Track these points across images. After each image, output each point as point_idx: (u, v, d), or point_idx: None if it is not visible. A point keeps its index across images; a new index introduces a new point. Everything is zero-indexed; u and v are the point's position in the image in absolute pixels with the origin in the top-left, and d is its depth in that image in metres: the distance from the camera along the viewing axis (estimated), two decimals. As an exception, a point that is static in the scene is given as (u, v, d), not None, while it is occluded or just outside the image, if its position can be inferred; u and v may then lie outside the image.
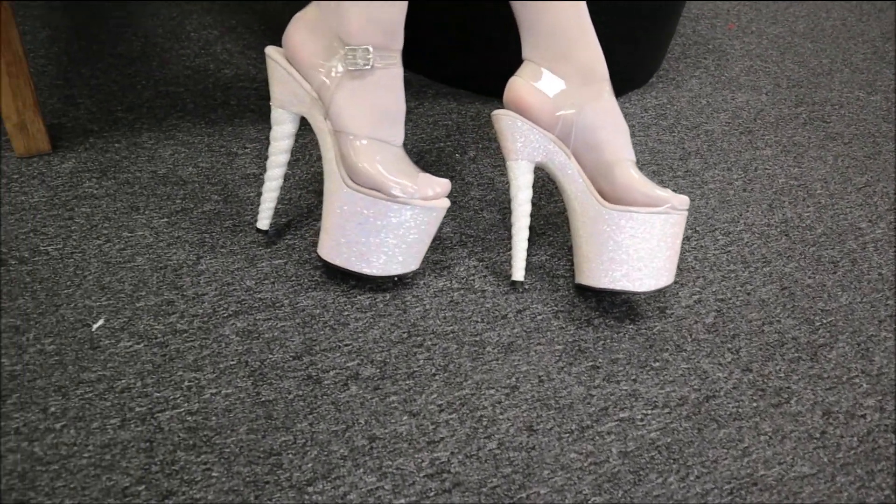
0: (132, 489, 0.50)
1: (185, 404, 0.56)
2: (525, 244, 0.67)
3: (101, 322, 0.60)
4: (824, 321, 0.74)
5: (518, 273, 0.68)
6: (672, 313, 0.71)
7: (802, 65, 1.18)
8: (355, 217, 0.61)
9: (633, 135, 0.94)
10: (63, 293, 0.62)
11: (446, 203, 0.63)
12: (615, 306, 0.70)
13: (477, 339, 0.64)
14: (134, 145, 0.76)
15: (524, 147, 0.65)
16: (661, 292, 0.73)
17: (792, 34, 1.27)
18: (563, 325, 0.67)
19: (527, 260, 0.72)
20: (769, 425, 0.63)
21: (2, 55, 0.64)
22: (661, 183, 0.88)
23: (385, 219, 0.61)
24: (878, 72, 1.20)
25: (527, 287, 0.70)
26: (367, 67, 0.58)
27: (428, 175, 0.62)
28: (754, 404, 0.64)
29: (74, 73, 0.85)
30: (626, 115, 0.98)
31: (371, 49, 0.58)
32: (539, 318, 0.67)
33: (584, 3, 0.62)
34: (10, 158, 0.71)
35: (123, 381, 0.56)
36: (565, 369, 0.63)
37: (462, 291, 0.68)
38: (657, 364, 0.66)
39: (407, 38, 0.97)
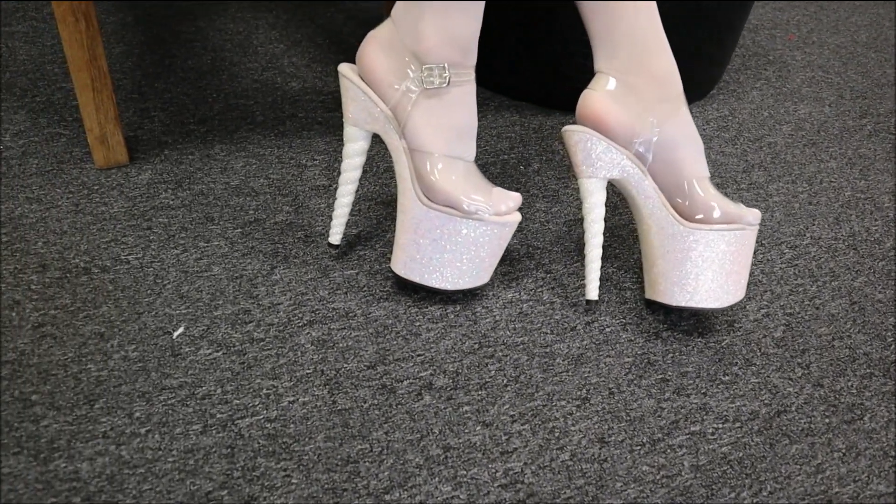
0: (215, 494, 0.52)
1: (264, 411, 0.57)
2: (598, 263, 0.67)
3: (181, 330, 0.62)
4: (897, 337, 0.72)
5: (592, 292, 0.68)
6: (740, 327, 0.70)
7: (866, 75, 1.16)
8: (430, 234, 0.62)
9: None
10: (144, 301, 0.64)
11: (518, 217, 0.63)
12: (683, 319, 0.70)
13: (547, 350, 0.65)
14: (207, 157, 0.79)
15: (599, 164, 0.64)
16: (729, 306, 0.72)
17: (854, 44, 1.25)
18: (632, 338, 0.67)
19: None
20: (842, 442, 0.62)
21: (88, 71, 0.67)
22: (727, 196, 0.87)
23: (458, 235, 0.62)
24: (945, 81, 1.17)
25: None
26: (443, 86, 0.59)
27: (501, 189, 0.63)
28: (827, 420, 0.63)
29: (148, 87, 0.88)
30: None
31: (447, 67, 0.59)
32: (608, 330, 0.67)
33: (656, 9, 0.62)
34: (90, 170, 0.75)
35: (204, 388, 0.58)
36: (635, 382, 0.63)
37: (531, 303, 0.69)
38: (727, 378, 0.65)
39: None
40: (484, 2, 0.59)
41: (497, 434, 0.57)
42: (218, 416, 0.57)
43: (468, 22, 0.58)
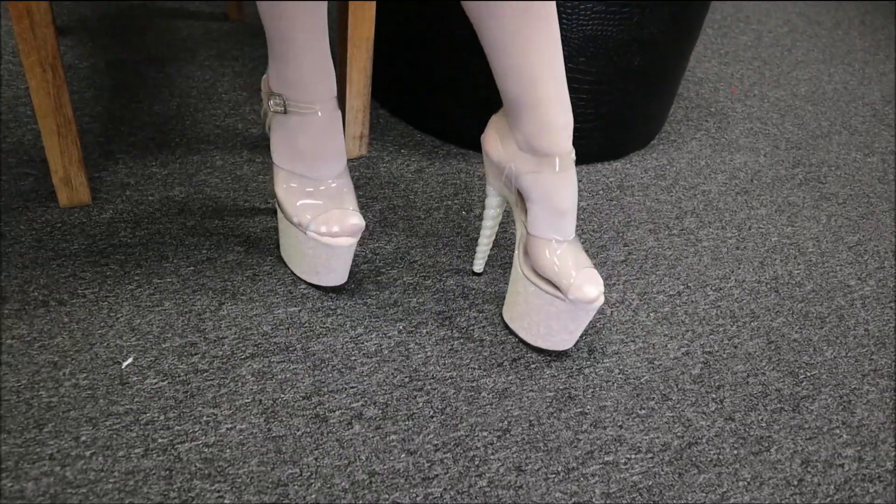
0: (152, 514, 0.56)
1: (203, 437, 0.62)
2: (486, 242, 0.79)
3: (130, 360, 0.67)
4: (808, 374, 0.78)
5: (478, 266, 0.82)
6: (660, 364, 0.76)
7: (802, 127, 1.24)
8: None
9: (632, 194, 1.00)
10: (97, 333, 0.69)
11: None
12: (606, 356, 0.76)
13: (473, 384, 0.70)
14: (166, 198, 0.85)
15: (489, 178, 0.75)
16: (650, 345, 0.78)
17: (793, 97, 1.33)
18: (555, 374, 0.73)
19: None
20: (748, 472, 0.67)
21: (54, 118, 0.73)
22: (654, 242, 0.93)
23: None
24: (877, 133, 1.26)
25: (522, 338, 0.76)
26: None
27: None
28: (735, 452, 0.69)
29: (115, 130, 0.94)
30: (626, 176, 1.04)
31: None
32: (533, 366, 0.73)
33: (548, 77, 0.64)
34: (53, 209, 0.80)
35: (148, 415, 0.63)
36: (555, 414, 0.69)
37: (462, 340, 0.74)
38: (643, 412, 0.71)
39: (419, 100, 1.05)
40: None
41: (420, 461, 0.62)
42: (159, 440, 0.61)
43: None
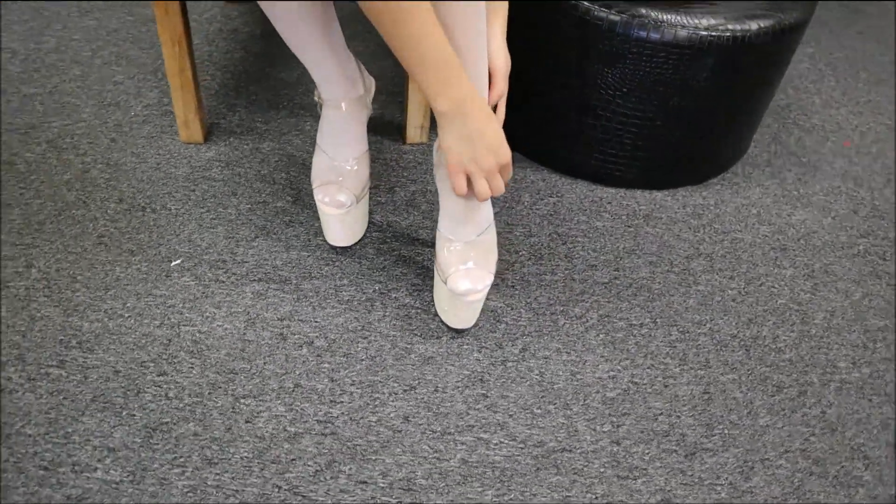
0: None
1: (199, 325, 0.88)
2: None
3: (178, 261, 0.94)
4: (725, 432, 0.84)
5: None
6: (581, 378, 0.87)
7: (902, 197, 1.18)
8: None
9: (654, 226, 1.08)
10: (166, 237, 0.97)
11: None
12: (534, 357, 0.89)
13: (407, 346, 0.88)
14: (256, 149, 1.11)
15: None
16: (582, 360, 0.89)
17: (917, 163, 1.25)
18: (480, 358, 0.88)
19: (484, 305, 0.92)
20: (602, 489, 0.78)
21: (179, 78, 1.01)
22: (646, 273, 1.00)
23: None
24: None
25: (472, 327, 0.91)
26: None
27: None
28: (601, 470, 0.79)
29: (244, 89, 1.23)
30: (660, 207, 1.11)
31: None
32: (465, 346, 0.88)
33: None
34: (175, 142, 1.10)
35: (173, 301, 0.90)
36: (459, 388, 0.84)
37: (419, 310, 0.92)
38: (538, 411, 0.84)
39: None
40: None
41: (335, 388, 0.83)
42: (172, 319, 0.88)
43: None
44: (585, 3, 0.97)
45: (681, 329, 0.95)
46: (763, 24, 0.98)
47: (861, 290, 1.03)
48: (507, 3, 0.81)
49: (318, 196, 0.92)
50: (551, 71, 1.05)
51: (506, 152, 0.77)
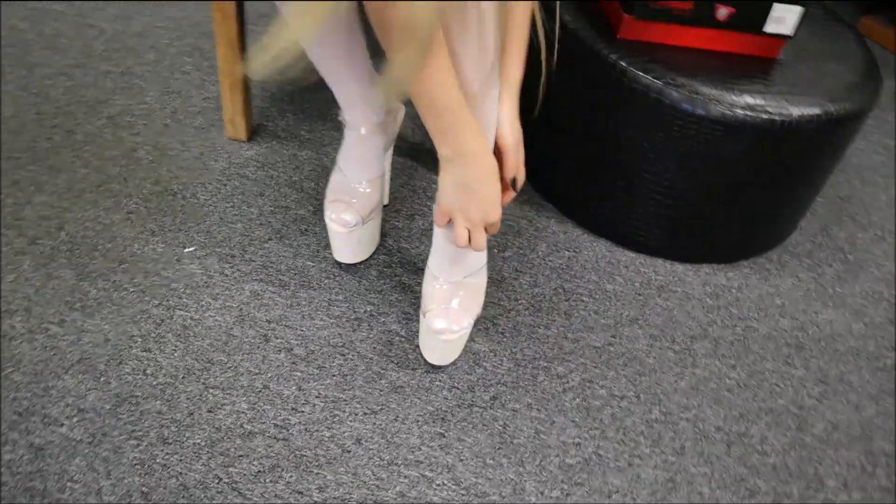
0: None
1: (193, 313, 0.93)
2: None
3: (191, 249, 1.01)
4: (680, 522, 0.82)
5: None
6: (544, 439, 0.87)
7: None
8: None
9: (665, 298, 1.06)
10: (189, 223, 1.04)
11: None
12: (503, 407, 0.89)
13: (381, 371, 0.90)
14: (294, 156, 1.17)
15: None
16: (550, 421, 0.89)
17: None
18: (448, 397, 0.89)
19: (468, 346, 0.94)
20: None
21: (228, 80, 1.09)
22: (643, 345, 0.99)
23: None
24: None
25: (450, 365, 0.92)
26: None
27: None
28: (540, 533, 0.79)
29: (298, 96, 1.30)
30: (677, 280, 1.10)
31: None
32: (436, 383, 0.90)
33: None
34: (220, 136, 1.18)
35: (176, 285, 0.96)
36: (419, 423, 0.86)
37: (403, 339, 0.94)
38: (491, 462, 0.84)
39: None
40: None
41: (300, 397, 0.86)
42: (169, 303, 0.94)
43: None
44: (622, 63, 0.98)
45: (663, 409, 0.93)
46: (807, 111, 0.95)
47: (875, 406, 0.97)
48: (517, 80, 0.82)
49: (327, 212, 0.96)
50: (587, 125, 1.06)
51: (495, 213, 0.79)
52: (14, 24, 1.35)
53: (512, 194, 0.86)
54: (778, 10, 1.00)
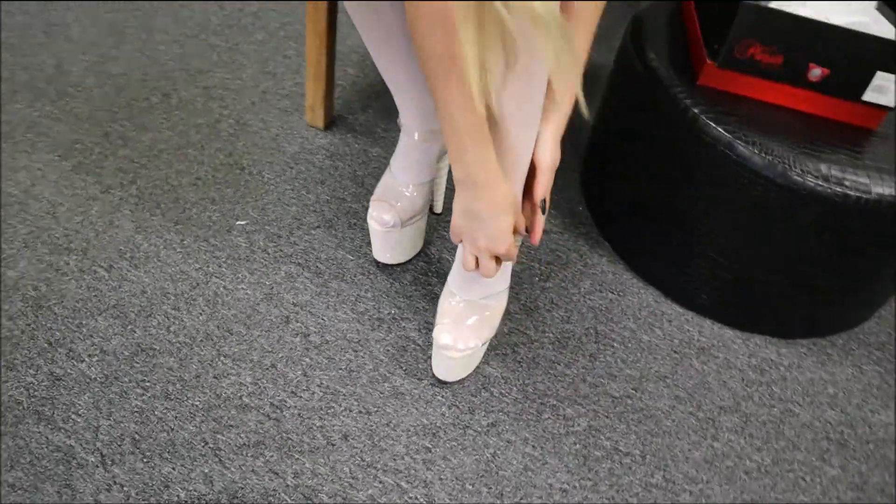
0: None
1: (226, 282, 0.98)
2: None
3: (243, 222, 1.06)
4: None
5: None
6: (531, 477, 0.85)
7: None
8: None
9: (703, 362, 1.01)
10: (248, 198, 1.10)
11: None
12: (498, 436, 0.88)
13: (387, 375, 0.92)
14: (363, 151, 1.21)
15: None
16: (543, 463, 0.87)
17: None
18: (445, 414, 0.89)
19: (480, 368, 0.94)
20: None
21: (314, 69, 1.14)
22: (665, 405, 0.94)
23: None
24: None
25: (457, 382, 0.93)
26: None
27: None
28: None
29: (385, 95, 1.33)
30: (723, 347, 1.04)
31: None
32: (438, 397, 0.90)
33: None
34: (300, 121, 1.24)
35: (220, 254, 1.02)
36: (408, 433, 0.86)
37: (418, 347, 0.95)
38: (470, 488, 0.84)
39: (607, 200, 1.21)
40: None
41: (302, 382, 0.89)
42: (208, 269, 1.00)
43: None
44: (695, 110, 0.94)
45: (668, 476, 0.88)
46: (890, 191, 0.88)
47: (913, 528, 0.88)
48: (568, 105, 0.81)
49: (370, 210, 0.98)
50: (652, 168, 1.03)
51: (502, 245, 0.78)
52: (146, -9, 1.49)
53: (542, 218, 0.85)
54: (880, 78, 0.92)
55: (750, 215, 0.94)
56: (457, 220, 0.79)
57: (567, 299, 1.06)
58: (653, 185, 1.04)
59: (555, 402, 0.93)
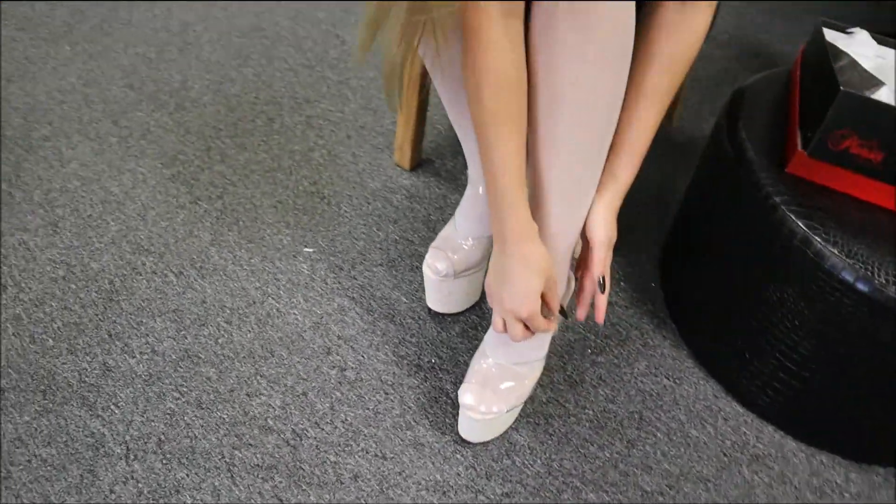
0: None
1: (274, 303, 1.03)
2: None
3: (310, 250, 1.11)
4: None
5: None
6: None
7: None
8: None
9: (758, 471, 0.93)
10: (323, 226, 1.15)
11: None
12: (498, 493, 0.86)
13: (411, 423, 0.92)
14: (442, 196, 1.23)
15: None
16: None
17: None
18: (461, 474, 0.88)
19: (508, 434, 0.92)
20: None
21: (406, 115, 1.18)
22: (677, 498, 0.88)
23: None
24: None
25: (481, 444, 0.91)
26: None
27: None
28: None
29: (480, 144, 1.35)
30: (784, 460, 0.96)
31: None
32: (458, 456, 0.89)
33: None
34: (388, 159, 1.28)
35: (275, 266, 1.07)
36: (418, 485, 0.86)
37: (444, 401, 0.94)
38: (469, 555, 0.81)
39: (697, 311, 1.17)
40: None
41: (317, 402, 0.91)
42: (268, 287, 1.05)
43: None
44: (776, 199, 0.88)
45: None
46: None
47: None
48: (626, 180, 0.79)
49: (427, 256, 1.00)
50: (725, 252, 0.97)
51: (525, 308, 0.76)
52: (277, 21, 1.60)
53: (603, 298, 0.82)
54: None
55: (824, 321, 0.87)
56: (488, 277, 0.79)
57: (617, 377, 1.02)
58: (729, 271, 0.99)
59: (579, 485, 0.89)
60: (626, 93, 0.74)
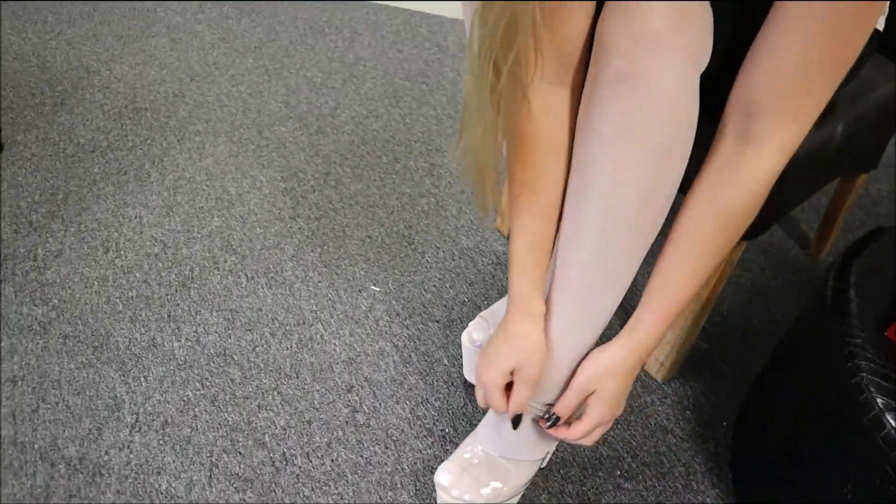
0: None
1: (312, 332, 1.07)
2: None
3: (377, 289, 1.14)
4: None
5: None
6: None
7: None
8: None
9: None
10: (393, 266, 1.17)
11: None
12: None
13: (398, 483, 0.90)
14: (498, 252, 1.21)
15: None
16: None
17: None
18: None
19: None
20: None
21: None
22: None
23: None
24: None
25: None
26: None
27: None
28: None
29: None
30: None
31: None
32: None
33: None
34: (492, 221, 1.28)
35: (341, 306, 1.11)
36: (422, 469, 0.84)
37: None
38: None
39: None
40: None
41: (320, 452, 0.92)
42: (319, 317, 1.09)
43: None
44: (860, 362, 0.76)
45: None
46: None
47: None
48: (640, 340, 0.72)
49: (469, 324, 0.99)
50: (800, 414, 0.86)
51: (487, 375, 0.75)
52: (443, 72, 1.68)
53: (563, 432, 0.78)
54: None
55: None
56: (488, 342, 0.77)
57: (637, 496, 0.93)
58: (800, 432, 0.87)
59: None
60: (667, 233, 0.70)
